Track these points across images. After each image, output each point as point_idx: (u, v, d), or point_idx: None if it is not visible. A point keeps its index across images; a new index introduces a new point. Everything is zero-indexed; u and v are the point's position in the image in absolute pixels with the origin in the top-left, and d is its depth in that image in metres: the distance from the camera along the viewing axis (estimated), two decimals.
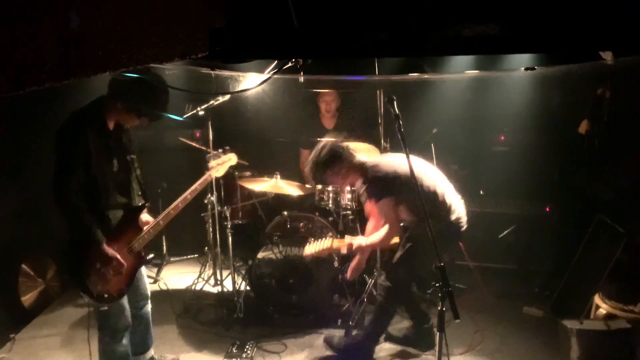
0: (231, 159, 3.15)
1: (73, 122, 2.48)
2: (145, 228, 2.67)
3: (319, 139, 4.27)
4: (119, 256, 2.50)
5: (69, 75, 1.00)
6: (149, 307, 2.94)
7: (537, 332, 3.57)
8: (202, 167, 4.05)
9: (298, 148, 4.71)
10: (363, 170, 3.12)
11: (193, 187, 2.81)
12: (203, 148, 3.99)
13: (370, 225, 3.32)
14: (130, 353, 2.81)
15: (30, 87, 0.96)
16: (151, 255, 2.75)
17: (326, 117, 4.56)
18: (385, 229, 3.00)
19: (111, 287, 2.53)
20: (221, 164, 3.07)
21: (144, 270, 2.86)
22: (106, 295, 2.52)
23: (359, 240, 3.09)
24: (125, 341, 2.70)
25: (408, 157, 2.30)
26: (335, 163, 3.11)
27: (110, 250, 2.47)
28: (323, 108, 4.51)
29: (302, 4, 1.20)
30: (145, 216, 2.77)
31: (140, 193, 2.78)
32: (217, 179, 3.99)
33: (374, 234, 3.11)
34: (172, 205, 2.72)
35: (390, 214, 3.00)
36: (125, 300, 2.65)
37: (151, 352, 3.03)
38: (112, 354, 2.66)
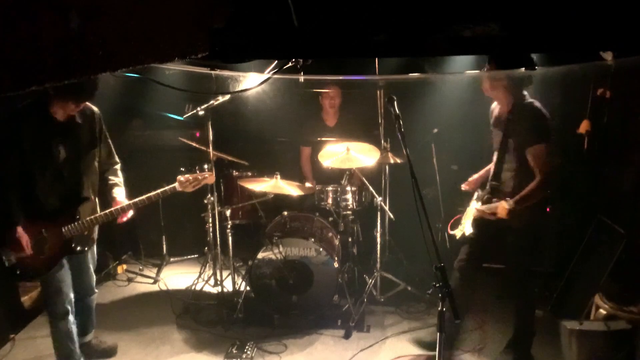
0: (207, 177, 3.11)
1: (16, 112, 2.65)
2: (86, 219, 2.81)
3: (319, 139, 4.30)
4: (24, 241, 2.62)
5: (69, 75, 1.00)
6: (93, 297, 3.19)
7: (537, 333, 3.56)
8: (202, 168, 4.07)
9: (299, 145, 4.69)
10: (523, 103, 2.87)
11: (148, 195, 2.91)
12: (203, 148, 4.00)
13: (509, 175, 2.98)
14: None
15: (30, 87, 0.96)
16: (83, 248, 2.87)
17: (330, 113, 4.50)
18: (540, 180, 2.77)
19: (27, 265, 2.68)
20: (192, 181, 3.03)
21: (90, 264, 3.07)
22: (18, 272, 2.69)
23: (510, 202, 2.75)
24: (67, 324, 2.90)
25: (408, 158, 2.30)
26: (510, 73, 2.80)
27: (21, 232, 2.62)
28: (327, 104, 4.44)
29: (302, 4, 1.20)
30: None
31: (89, 186, 2.91)
32: (217, 180, 4.00)
33: (527, 188, 2.80)
34: (117, 207, 2.88)
35: (548, 163, 2.77)
36: (65, 288, 2.84)
37: (90, 336, 3.29)
38: (56, 333, 2.93)
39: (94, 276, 3.18)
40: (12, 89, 0.93)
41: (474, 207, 3.01)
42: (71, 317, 2.93)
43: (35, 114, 2.67)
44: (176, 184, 3.02)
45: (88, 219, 2.82)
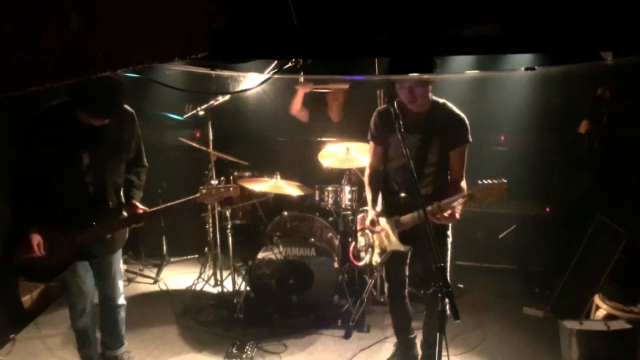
0: (230, 190, 2.93)
1: (42, 115, 2.59)
2: (99, 226, 2.71)
3: (319, 139, 4.29)
4: (35, 242, 2.55)
5: (69, 75, 1.00)
6: (118, 309, 3.01)
7: (537, 332, 3.57)
8: (203, 168, 4.07)
9: (298, 145, 4.57)
10: (437, 103, 2.73)
11: (169, 205, 2.85)
12: (203, 148, 3.99)
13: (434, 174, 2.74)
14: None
15: (30, 87, 0.96)
16: (97, 254, 2.76)
17: (333, 108, 4.42)
18: (463, 178, 2.64)
19: (36, 266, 2.62)
20: (214, 193, 2.89)
21: (110, 272, 2.89)
22: (26, 272, 2.67)
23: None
24: (83, 321, 2.89)
25: (408, 157, 2.30)
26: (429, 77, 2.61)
27: (33, 234, 2.54)
28: (328, 97, 4.38)
29: (302, 4, 1.20)
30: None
31: (113, 191, 2.80)
32: (217, 178, 3.99)
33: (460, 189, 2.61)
34: (133, 215, 2.78)
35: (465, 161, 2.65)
36: (85, 287, 2.81)
37: (120, 351, 3.12)
38: (74, 324, 2.93)
39: (119, 285, 2.98)
40: (12, 89, 0.93)
41: (395, 221, 2.76)
42: (90, 317, 2.90)
43: (60, 117, 2.57)
44: (196, 196, 2.88)
45: (101, 225, 2.70)
